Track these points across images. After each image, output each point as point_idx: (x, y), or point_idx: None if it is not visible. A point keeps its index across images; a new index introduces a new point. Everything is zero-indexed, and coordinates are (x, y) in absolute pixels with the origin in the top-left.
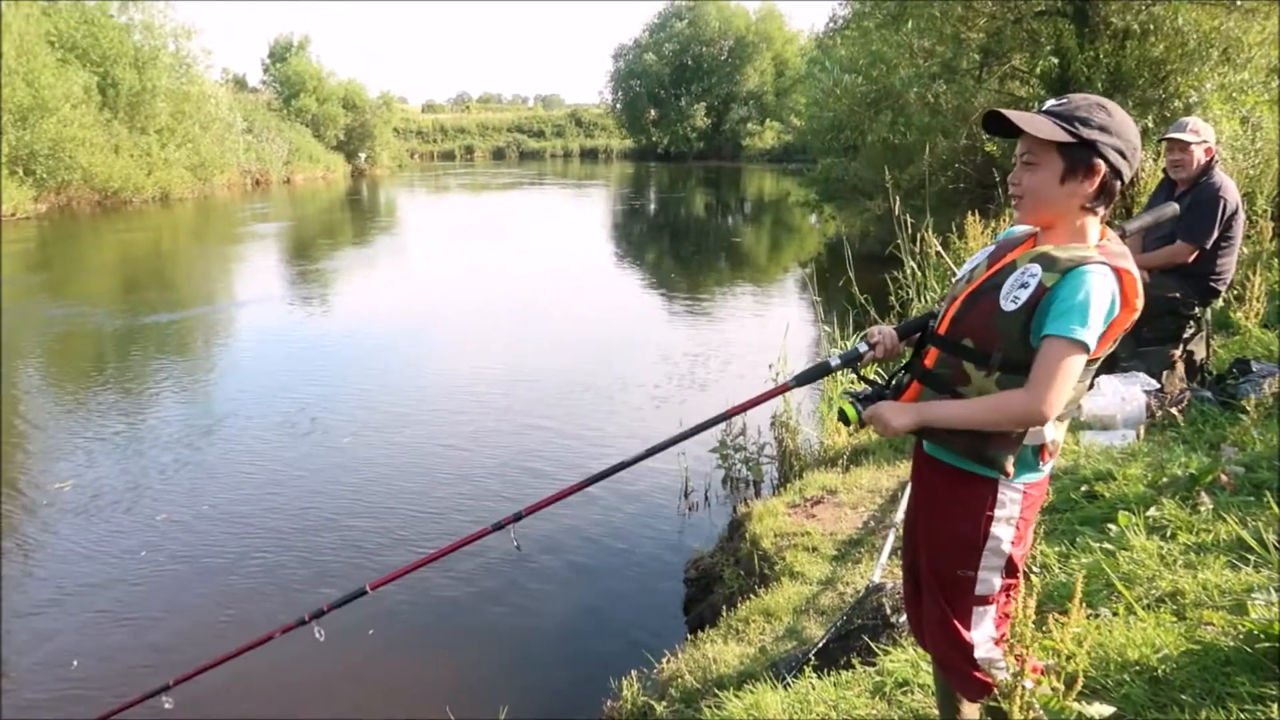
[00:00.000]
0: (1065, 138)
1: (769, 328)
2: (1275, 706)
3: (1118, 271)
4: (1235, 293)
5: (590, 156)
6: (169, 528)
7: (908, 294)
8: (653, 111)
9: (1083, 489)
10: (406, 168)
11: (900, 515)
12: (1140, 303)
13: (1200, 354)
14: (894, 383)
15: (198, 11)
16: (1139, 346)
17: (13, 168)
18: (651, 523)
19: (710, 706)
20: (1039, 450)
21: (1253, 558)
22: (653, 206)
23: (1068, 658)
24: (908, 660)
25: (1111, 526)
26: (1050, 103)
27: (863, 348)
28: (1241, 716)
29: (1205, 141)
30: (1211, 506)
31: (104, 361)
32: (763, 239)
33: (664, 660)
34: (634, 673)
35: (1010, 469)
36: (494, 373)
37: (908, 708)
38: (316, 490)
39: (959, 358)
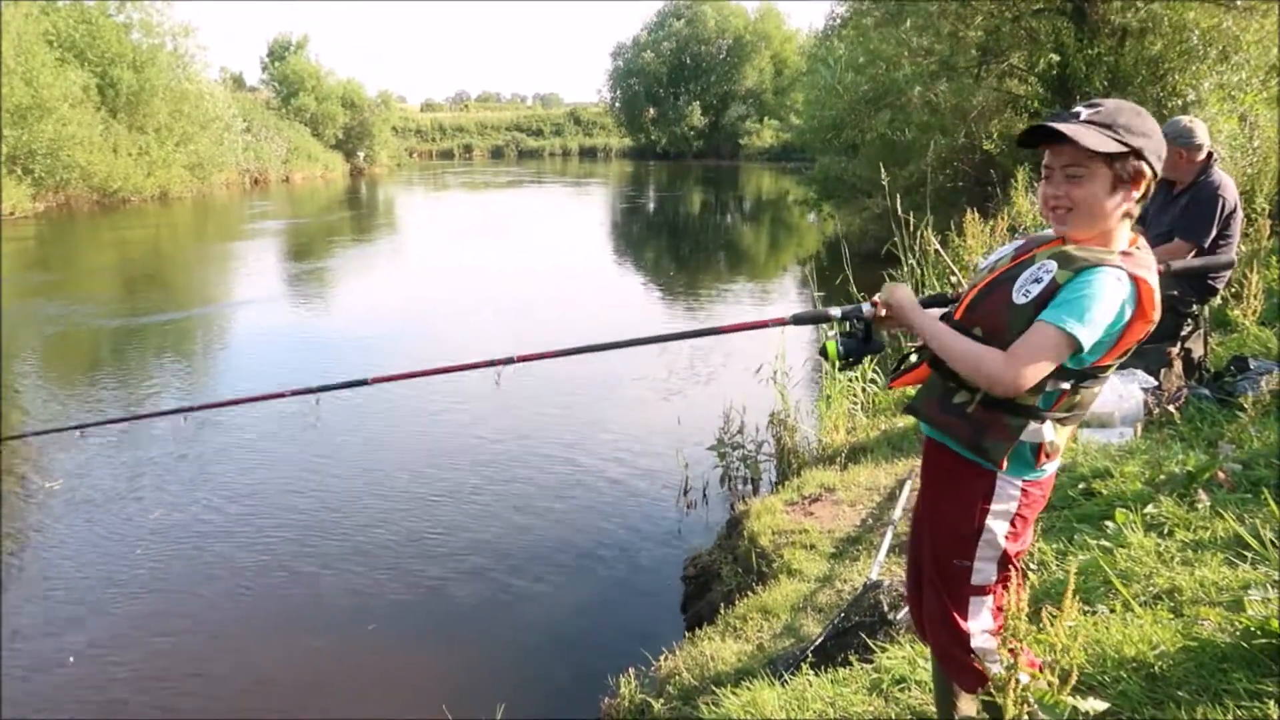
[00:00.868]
0: (1118, 148)
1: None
2: (1272, 703)
3: (1135, 279)
4: (1233, 290)
5: (589, 155)
6: (164, 525)
7: None
8: (651, 110)
9: (1080, 486)
10: (405, 167)
11: (898, 513)
12: (1157, 314)
13: (1198, 351)
14: (903, 365)
15: (196, 11)
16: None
17: (11, 167)
18: (650, 520)
19: (708, 704)
20: (1036, 449)
21: (1250, 555)
22: (651, 205)
23: (1063, 651)
24: (905, 657)
25: (1109, 524)
26: (1083, 111)
27: (866, 308)
28: (1238, 713)
29: (1204, 145)
30: (1209, 504)
31: (102, 361)
32: (761, 237)
33: (662, 658)
34: (632, 670)
35: (1004, 463)
36: (494, 371)
37: (905, 705)
38: (316, 489)
39: None
